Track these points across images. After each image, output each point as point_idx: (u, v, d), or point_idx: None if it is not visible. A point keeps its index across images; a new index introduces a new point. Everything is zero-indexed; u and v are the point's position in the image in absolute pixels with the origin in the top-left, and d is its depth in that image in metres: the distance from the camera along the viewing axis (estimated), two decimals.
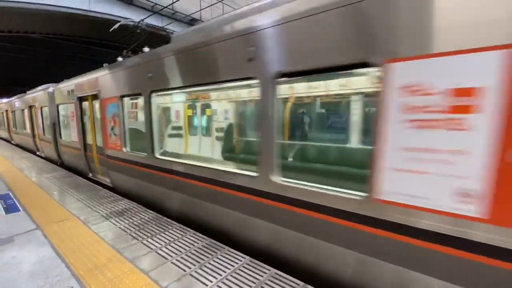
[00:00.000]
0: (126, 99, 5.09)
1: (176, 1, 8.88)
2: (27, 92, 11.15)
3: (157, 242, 3.17)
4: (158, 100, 4.58)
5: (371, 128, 2.27)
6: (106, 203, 4.58)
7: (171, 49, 3.76)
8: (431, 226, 1.86)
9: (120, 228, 3.57)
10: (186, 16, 11.18)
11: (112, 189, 5.93)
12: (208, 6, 9.73)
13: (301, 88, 4.75)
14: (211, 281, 2.42)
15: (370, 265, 2.19)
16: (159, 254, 2.91)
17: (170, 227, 3.62)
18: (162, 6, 9.81)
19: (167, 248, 3.03)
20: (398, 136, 1.94)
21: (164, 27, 10.73)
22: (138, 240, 3.23)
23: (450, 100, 1.73)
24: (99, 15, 9.07)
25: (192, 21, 11.88)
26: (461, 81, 1.68)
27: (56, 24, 10.66)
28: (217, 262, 2.74)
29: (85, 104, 6.63)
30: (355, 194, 2.22)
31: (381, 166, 2.04)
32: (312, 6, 2.27)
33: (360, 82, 4.09)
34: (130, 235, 3.37)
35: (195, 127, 7.06)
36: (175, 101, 6.76)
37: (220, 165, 3.61)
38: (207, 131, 6.92)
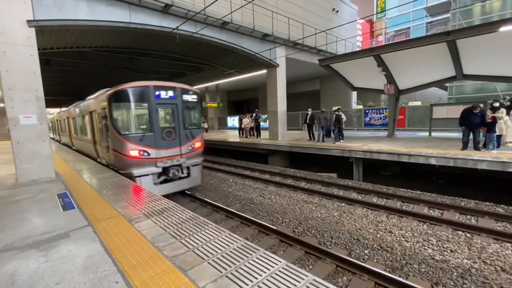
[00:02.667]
0: None
1: (208, 6, 9.12)
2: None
3: (194, 242, 3.24)
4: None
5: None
6: (147, 202, 4.84)
7: None
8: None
9: (160, 226, 3.73)
10: (217, 20, 11.43)
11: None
12: (238, 8, 9.83)
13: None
14: (247, 284, 2.38)
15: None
16: (196, 253, 2.96)
17: (206, 226, 3.68)
18: (195, 12, 10.17)
19: (203, 248, 3.07)
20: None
21: (198, 32, 11.12)
22: (176, 239, 3.34)
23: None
24: (139, 26, 9.71)
25: (223, 25, 12.13)
26: None
27: (104, 38, 11.69)
28: (252, 265, 2.70)
29: None
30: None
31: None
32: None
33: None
34: (169, 233, 3.50)
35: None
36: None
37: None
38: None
